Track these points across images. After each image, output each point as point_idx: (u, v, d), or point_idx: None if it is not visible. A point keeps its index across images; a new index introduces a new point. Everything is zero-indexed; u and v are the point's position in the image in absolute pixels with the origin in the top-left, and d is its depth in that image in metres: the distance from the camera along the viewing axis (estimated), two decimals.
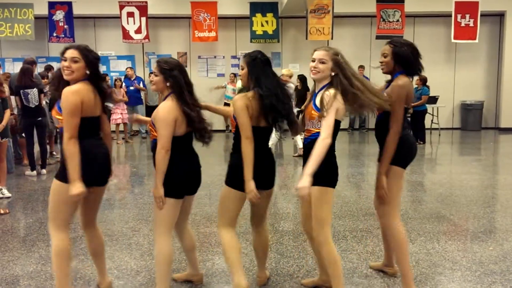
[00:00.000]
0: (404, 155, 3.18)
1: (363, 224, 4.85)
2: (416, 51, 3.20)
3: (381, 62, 3.24)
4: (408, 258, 3.25)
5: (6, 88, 7.49)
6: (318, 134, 2.81)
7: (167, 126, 2.88)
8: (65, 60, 2.86)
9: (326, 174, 2.82)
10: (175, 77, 2.95)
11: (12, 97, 7.72)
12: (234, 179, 3.00)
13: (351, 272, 3.63)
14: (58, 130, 2.94)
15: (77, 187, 2.78)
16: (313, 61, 2.92)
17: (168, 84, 2.96)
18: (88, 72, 2.91)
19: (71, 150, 2.78)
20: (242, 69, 3.07)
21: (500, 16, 13.46)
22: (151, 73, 3.05)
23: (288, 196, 6.28)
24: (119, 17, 12.58)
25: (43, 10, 12.32)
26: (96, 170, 2.97)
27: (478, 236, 4.46)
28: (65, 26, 12.52)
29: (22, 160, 8.22)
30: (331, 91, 2.83)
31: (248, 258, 3.89)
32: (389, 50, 3.18)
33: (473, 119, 13.36)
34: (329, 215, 2.91)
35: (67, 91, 2.81)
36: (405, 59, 3.14)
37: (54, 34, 12.57)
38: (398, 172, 3.17)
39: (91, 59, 2.91)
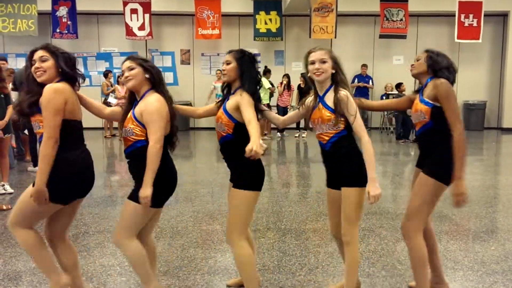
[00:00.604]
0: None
1: (365, 223, 4.85)
2: (452, 64, 2.98)
3: (412, 65, 3.10)
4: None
5: (9, 84, 7.51)
6: (336, 137, 2.84)
7: (162, 118, 2.71)
8: (34, 62, 2.74)
9: (361, 175, 2.80)
10: (154, 68, 2.85)
11: (15, 93, 7.73)
12: (251, 180, 2.90)
13: (360, 271, 3.63)
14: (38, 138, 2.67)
15: (43, 194, 2.61)
16: (313, 63, 2.85)
17: (147, 76, 2.78)
18: (60, 69, 2.75)
19: (47, 151, 2.58)
20: (228, 63, 2.92)
21: (503, 16, 13.43)
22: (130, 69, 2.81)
23: (290, 195, 6.29)
24: (122, 14, 12.59)
25: (47, 6, 12.33)
26: (86, 183, 2.85)
27: (480, 236, 4.47)
28: (68, 22, 12.54)
29: (25, 156, 8.24)
30: (343, 92, 2.80)
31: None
32: (424, 55, 3.02)
33: (475, 119, 13.36)
34: (360, 216, 2.92)
35: (49, 88, 2.64)
36: (438, 64, 2.92)
37: (57, 30, 12.58)
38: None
39: (58, 55, 2.77)
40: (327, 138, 2.88)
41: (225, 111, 2.89)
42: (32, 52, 2.77)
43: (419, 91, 3.05)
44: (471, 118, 13.39)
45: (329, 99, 2.85)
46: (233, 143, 2.88)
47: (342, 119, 2.81)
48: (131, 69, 2.79)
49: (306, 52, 2.95)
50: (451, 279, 3.49)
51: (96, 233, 4.59)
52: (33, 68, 2.73)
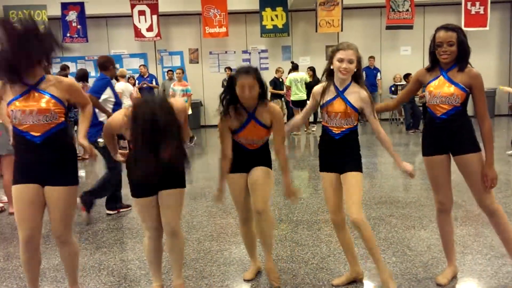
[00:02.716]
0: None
1: (376, 212, 4.94)
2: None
3: (445, 51, 2.98)
4: None
5: None
6: (348, 131, 3.07)
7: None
8: None
9: (361, 162, 3.15)
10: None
11: None
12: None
13: (364, 258, 3.73)
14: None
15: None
16: (341, 60, 2.96)
17: None
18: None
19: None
20: (252, 87, 3.00)
21: (510, 2, 13.35)
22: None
23: (302, 187, 6.39)
24: (130, 16, 12.76)
25: (56, 11, 12.55)
26: None
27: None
28: (78, 26, 12.74)
29: None
30: (364, 92, 3.05)
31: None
32: (455, 37, 2.96)
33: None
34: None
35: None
36: (467, 48, 3.01)
37: (68, 35, 12.80)
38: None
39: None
40: (339, 130, 3.08)
41: (266, 126, 3.14)
42: None
43: (443, 71, 3.07)
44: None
45: (351, 96, 3.04)
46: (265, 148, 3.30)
47: (359, 117, 3.11)
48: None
49: (335, 47, 3.08)
50: (460, 263, 3.58)
51: (114, 230, 4.75)
52: None
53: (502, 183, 6.05)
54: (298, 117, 3.61)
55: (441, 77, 3.07)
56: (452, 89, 3.01)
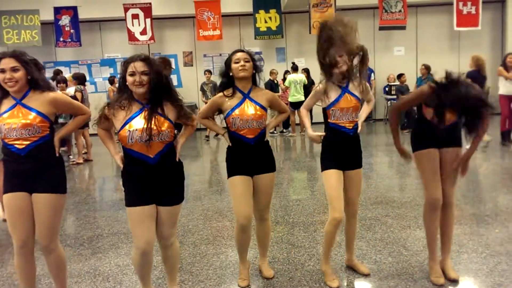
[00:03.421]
0: None
1: (372, 212, 4.95)
2: None
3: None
4: None
5: None
6: (356, 124, 3.26)
7: None
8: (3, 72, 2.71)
9: None
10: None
11: None
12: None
13: (361, 258, 3.74)
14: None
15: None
16: (341, 56, 3.11)
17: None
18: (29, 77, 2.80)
19: None
20: (247, 61, 3.15)
21: (501, 2, 13.44)
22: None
23: (297, 189, 6.40)
24: (124, 20, 12.73)
25: (49, 16, 12.50)
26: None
27: (484, 220, 4.56)
28: (71, 31, 12.71)
29: None
30: (364, 81, 3.29)
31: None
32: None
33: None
34: None
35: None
36: None
37: (61, 39, 12.76)
38: None
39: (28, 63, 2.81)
40: (352, 125, 3.23)
41: (263, 107, 3.22)
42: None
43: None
44: None
45: (353, 89, 3.22)
46: (263, 134, 3.27)
47: None
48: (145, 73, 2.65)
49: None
50: (456, 262, 3.59)
51: (110, 235, 4.73)
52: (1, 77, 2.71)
53: (495, 182, 6.09)
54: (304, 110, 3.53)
55: None
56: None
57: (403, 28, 12.89)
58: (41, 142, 2.81)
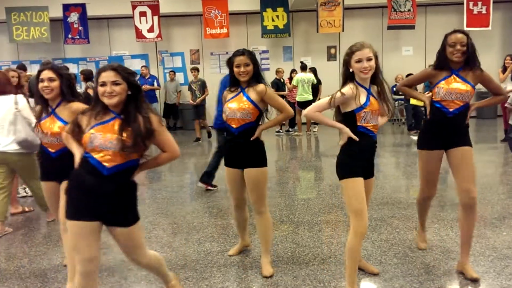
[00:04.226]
0: None
1: (377, 213, 4.92)
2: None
3: (458, 50, 3.29)
4: None
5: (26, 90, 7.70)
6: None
7: None
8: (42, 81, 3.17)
9: None
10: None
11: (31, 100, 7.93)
12: (264, 157, 3.55)
13: (366, 259, 3.72)
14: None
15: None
16: (360, 61, 2.89)
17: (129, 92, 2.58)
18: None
19: None
20: (248, 65, 3.38)
21: None
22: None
23: (302, 189, 6.38)
24: (132, 17, 12.76)
25: (58, 13, 12.56)
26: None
27: (492, 223, 4.51)
28: (80, 28, 12.75)
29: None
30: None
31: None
32: (466, 39, 3.30)
33: (488, 107, 13.25)
34: None
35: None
36: (475, 50, 3.35)
37: (69, 36, 12.81)
38: None
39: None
40: (376, 130, 3.07)
41: (252, 101, 3.38)
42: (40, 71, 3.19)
43: (454, 71, 3.36)
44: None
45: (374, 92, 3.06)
46: (253, 128, 3.42)
47: None
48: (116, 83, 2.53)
49: (349, 50, 2.97)
50: None
51: None
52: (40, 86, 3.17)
53: (504, 185, 6.03)
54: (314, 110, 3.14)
55: (454, 76, 3.36)
56: (466, 87, 3.32)
57: (412, 27, 12.81)
58: (67, 149, 2.93)
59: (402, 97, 12.09)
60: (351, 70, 2.97)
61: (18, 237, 4.67)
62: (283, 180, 6.75)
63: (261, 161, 3.48)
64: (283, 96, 12.00)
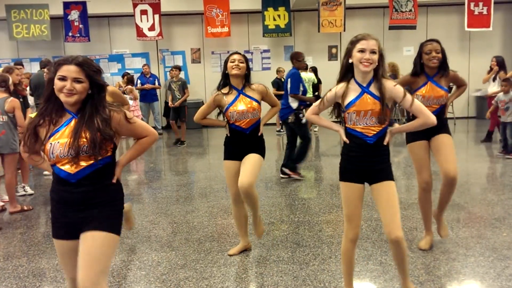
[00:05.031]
0: None
1: (378, 213, 4.89)
2: None
3: (434, 57, 3.69)
4: None
5: (27, 88, 7.70)
6: (383, 130, 2.77)
7: None
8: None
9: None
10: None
11: (31, 98, 7.92)
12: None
13: (366, 259, 3.71)
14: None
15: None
16: (362, 51, 2.68)
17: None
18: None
19: None
20: (242, 62, 3.68)
21: None
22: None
23: (302, 188, 6.37)
24: (132, 15, 12.73)
25: (58, 10, 12.53)
26: None
27: (492, 223, 4.51)
28: (80, 26, 12.72)
29: None
30: (389, 82, 2.77)
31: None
32: (440, 47, 3.73)
33: (487, 108, 13.23)
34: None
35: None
36: (446, 58, 3.76)
37: (70, 34, 12.77)
38: None
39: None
40: (372, 133, 2.79)
41: (256, 100, 3.73)
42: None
43: (430, 78, 3.77)
44: (484, 107, 13.25)
45: (375, 90, 2.77)
46: (259, 124, 3.79)
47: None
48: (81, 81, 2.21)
49: (354, 37, 2.81)
50: (463, 265, 3.55)
51: None
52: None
53: (503, 185, 6.02)
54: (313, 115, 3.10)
55: (430, 83, 3.75)
56: (440, 93, 3.72)
57: (414, 27, 12.78)
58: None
59: None
60: (350, 61, 2.75)
61: (16, 236, 4.66)
62: (283, 179, 6.74)
63: (262, 151, 3.82)
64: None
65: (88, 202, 2.25)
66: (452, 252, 3.81)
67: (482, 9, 12.45)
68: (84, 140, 2.19)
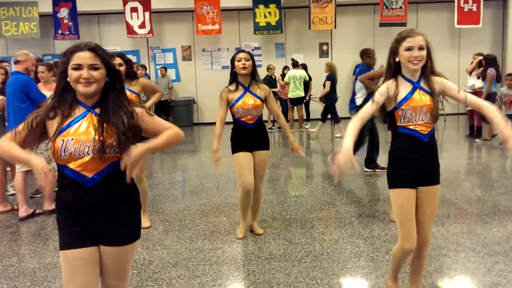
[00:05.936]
0: None
1: (369, 210, 4.94)
2: None
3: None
4: None
5: None
6: (433, 128, 2.66)
7: None
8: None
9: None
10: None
11: None
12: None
13: (358, 256, 3.73)
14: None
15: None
16: (410, 49, 2.54)
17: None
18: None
19: None
20: (248, 60, 3.87)
21: (503, 0, 13.38)
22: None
23: (294, 186, 6.38)
24: (123, 13, 12.65)
25: (48, 8, 12.40)
26: None
27: (482, 219, 4.54)
28: (70, 23, 12.61)
29: None
30: (436, 77, 2.66)
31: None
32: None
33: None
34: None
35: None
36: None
37: (59, 32, 12.66)
38: None
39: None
40: (427, 130, 2.67)
41: (261, 99, 3.98)
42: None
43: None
44: None
45: (427, 87, 2.65)
46: (262, 121, 4.09)
47: None
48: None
49: (398, 35, 2.66)
50: (453, 261, 3.58)
51: None
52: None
53: (494, 181, 6.07)
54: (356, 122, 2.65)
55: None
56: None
57: (404, 24, 12.81)
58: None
59: None
60: (397, 59, 2.61)
61: (7, 236, 4.61)
62: (275, 177, 6.74)
63: (268, 145, 4.13)
64: (275, 93, 11.99)
65: (107, 209, 2.03)
66: (443, 248, 3.84)
67: (472, 6, 12.55)
68: (107, 137, 1.97)
